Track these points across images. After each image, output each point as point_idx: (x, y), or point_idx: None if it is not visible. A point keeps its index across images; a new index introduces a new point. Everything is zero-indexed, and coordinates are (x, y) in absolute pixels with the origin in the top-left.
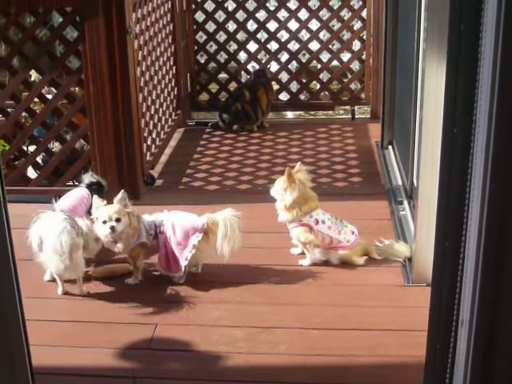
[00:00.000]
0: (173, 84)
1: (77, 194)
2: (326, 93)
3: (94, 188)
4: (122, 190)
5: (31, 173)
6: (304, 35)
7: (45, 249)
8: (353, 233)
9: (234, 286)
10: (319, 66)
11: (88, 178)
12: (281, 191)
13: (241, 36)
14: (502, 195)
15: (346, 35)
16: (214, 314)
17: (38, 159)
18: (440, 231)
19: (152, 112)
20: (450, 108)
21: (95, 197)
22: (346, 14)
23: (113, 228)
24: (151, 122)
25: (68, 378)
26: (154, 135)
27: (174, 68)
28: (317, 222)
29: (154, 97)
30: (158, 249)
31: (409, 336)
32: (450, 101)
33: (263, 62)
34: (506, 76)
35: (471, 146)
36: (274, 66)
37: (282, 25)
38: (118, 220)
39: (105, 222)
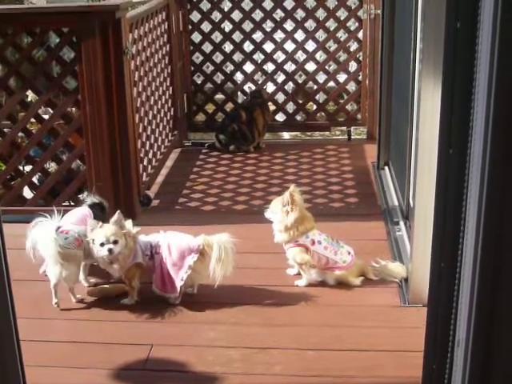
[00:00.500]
0: (169, 104)
1: (80, 213)
2: (323, 113)
3: (96, 209)
4: (118, 211)
5: (27, 193)
6: (300, 56)
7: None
8: (349, 253)
9: (230, 306)
10: (315, 86)
11: (90, 198)
12: (280, 212)
13: (237, 57)
14: (498, 216)
15: (343, 56)
16: (209, 334)
17: (34, 179)
18: (436, 252)
19: (148, 132)
20: (446, 129)
21: (90, 219)
22: (342, 35)
23: (110, 250)
24: (148, 142)
25: None
26: (150, 156)
27: (171, 89)
28: (313, 242)
29: (150, 117)
30: (154, 269)
31: (405, 357)
32: (446, 122)
33: (260, 82)
34: (501, 98)
35: (467, 166)
36: (270, 87)
37: (279, 46)
38: (115, 242)
39: (102, 245)
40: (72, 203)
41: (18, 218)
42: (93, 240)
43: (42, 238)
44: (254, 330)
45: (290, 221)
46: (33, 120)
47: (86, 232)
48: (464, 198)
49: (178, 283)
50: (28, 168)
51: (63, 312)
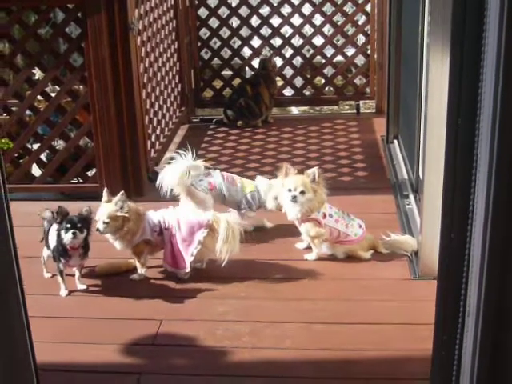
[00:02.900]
0: (177, 80)
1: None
2: (331, 88)
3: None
4: (121, 192)
5: (35, 171)
6: (308, 30)
7: None
8: (360, 226)
9: (239, 281)
10: (323, 60)
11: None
12: (310, 191)
13: (244, 32)
14: (508, 185)
15: (350, 30)
16: (218, 309)
17: (42, 157)
18: (446, 223)
19: (156, 109)
20: (455, 99)
21: (104, 191)
22: (349, 8)
23: (98, 230)
24: (155, 118)
25: (72, 374)
26: (158, 132)
27: (178, 64)
28: (324, 215)
29: (157, 93)
30: (164, 245)
31: (415, 329)
32: (454, 92)
33: (267, 57)
34: (510, 66)
35: (476, 134)
36: (278, 62)
37: (286, 20)
38: (105, 223)
39: (96, 222)
40: (80, 180)
41: (26, 195)
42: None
43: (171, 171)
44: (262, 304)
45: (323, 197)
46: (40, 98)
47: (226, 186)
48: (474, 167)
49: (188, 259)
50: (36, 146)
51: (71, 288)
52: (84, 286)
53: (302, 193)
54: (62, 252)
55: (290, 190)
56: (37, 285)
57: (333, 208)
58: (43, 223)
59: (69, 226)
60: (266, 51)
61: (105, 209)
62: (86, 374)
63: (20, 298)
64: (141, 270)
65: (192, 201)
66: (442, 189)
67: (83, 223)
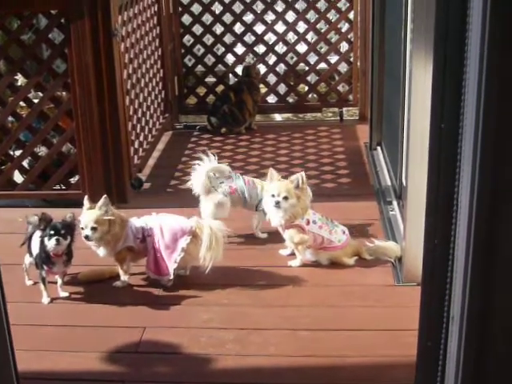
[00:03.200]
0: (160, 87)
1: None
2: (314, 95)
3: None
4: (104, 196)
5: (18, 177)
6: (291, 37)
7: None
8: (344, 232)
9: (222, 288)
10: (307, 68)
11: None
12: (294, 196)
13: (228, 39)
14: (491, 191)
15: (334, 37)
16: (202, 316)
17: (25, 163)
18: (429, 228)
19: (139, 115)
20: (438, 104)
21: (85, 198)
22: (333, 16)
23: (87, 237)
24: (138, 125)
25: (54, 382)
26: (141, 138)
27: (162, 71)
28: (308, 222)
29: (141, 100)
30: (147, 252)
31: (400, 336)
32: (438, 97)
33: (250, 64)
34: (491, 70)
35: (459, 139)
36: (261, 69)
37: (269, 27)
38: (93, 228)
39: (82, 229)
40: (63, 187)
41: (8, 202)
42: (79, 222)
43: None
44: (246, 310)
45: (306, 204)
46: (22, 104)
47: (248, 189)
48: (457, 172)
49: (171, 266)
50: (18, 152)
51: (53, 296)
52: (66, 294)
53: (286, 198)
54: (45, 259)
55: (273, 196)
56: (18, 292)
57: (316, 214)
58: (27, 227)
59: (52, 232)
60: (249, 58)
61: (90, 214)
62: (68, 382)
63: (1, 305)
64: (124, 277)
65: (211, 203)
66: (425, 195)
67: (67, 230)
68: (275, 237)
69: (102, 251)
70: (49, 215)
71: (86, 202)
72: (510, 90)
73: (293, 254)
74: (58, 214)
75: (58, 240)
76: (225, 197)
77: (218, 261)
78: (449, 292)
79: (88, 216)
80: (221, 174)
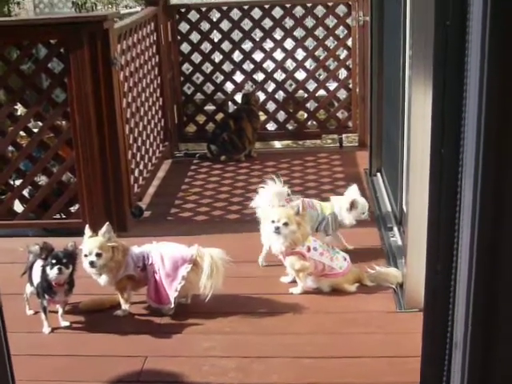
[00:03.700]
0: (160, 115)
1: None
2: (314, 122)
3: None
4: (107, 223)
5: (18, 207)
6: (290, 65)
7: None
8: (345, 259)
9: (224, 315)
10: (306, 95)
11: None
12: (294, 222)
13: (227, 67)
14: (492, 217)
15: (332, 64)
16: (203, 344)
17: (25, 193)
18: (431, 254)
19: (139, 143)
20: (438, 129)
21: (86, 227)
22: (331, 43)
23: (92, 263)
24: (138, 153)
25: None
26: (141, 167)
27: (161, 99)
28: (308, 249)
29: (140, 128)
30: (147, 281)
31: (402, 362)
32: (437, 122)
33: (249, 92)
34: (491, 97)
35: (460, 164)
36: (260, 96)
37: (268, 55)
38: (98, 255)
39: (86, 256)
40: (63, 216)
41: (8, 232)
42: (81, 250)
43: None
44: (248, 338)
45: (306, 230)
46: (22, 133)
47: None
48: (458, 198)
49: (172, 294)
50: (18, 182)
51: (54, 325)
52: (67, 323)
53: (286, 224)
54: (46, 288)
55: (273, 222)
56: (19, 322)
57: (317, 241)
58: (28, 257)
59: (54, 261)
60: (248, 86)
61: (94, 241)
62: None
63: (2, 335)
64: (125, 306)
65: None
66: (426, 221)
67: (69, 259)
68: (276, 264)
69: (103, 280)
70: (50, 244)
71: (87, 230)
72: (510, 114)
73: (294, 282)
74: (58, 243)
75: (60, 269)
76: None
77: (219, 289)
78: (451, 318)
79: (92, 243)
80: (282, 197)
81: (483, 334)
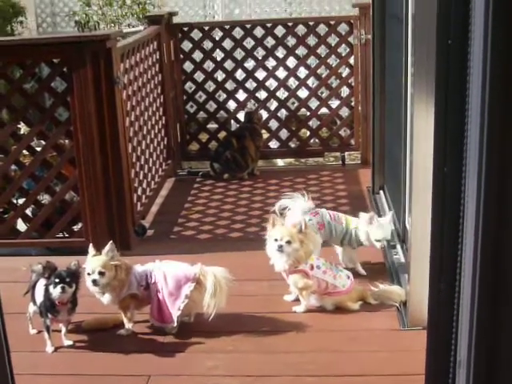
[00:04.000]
0: (163, 134)
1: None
2: (316, 140)
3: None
4: (111, 242)
5: (21, 225)
6: (292, 83)
7: None
8: (348, 277)
9: (227, 334)
10: (308, 113)
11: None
12: (296, 241)
13: (230, 85)
14: (496, 234)
15: (334, 82)
16: (206, 363)
17: (28, 211)
18: (434, 272)
19: (142, 162)
20: (440, 147)
21: (90, 246)
22: (333, 61)
23: (94, 281)
24: (141, 172)
25: None
26: (144, 185)
27: (164, 118)
28: (312, 267)
29: (143, 147)
30: (150, 300)
31: (406, 381)
32: (440, 140)
33: (252, 110)
34: (493, 114)
35: (462, 183)
36: (263, 115)
37: (271, 73)
38: (101, 273)
39: (89, 275)
40: (66, 235)
41: (11, 251)
42: (84, 268)
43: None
44: (251, 357)
45: (309, 248)
46: (25, 152)
47: (334, 224)
48: (461, 216)
49: (175, 313)
50: (21, 200)
51: (57, 344)
52: (70, 342)
53: (288, 242)
54: (49, 307)
55: (276, 240)
56: (22, 341)
57: (320, 259)
58: (31, 276)
59: (57, 280)
60: (251, 104)
61: (97, 260)
62: None
63: (5, 354)
64: (128, 325)
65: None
66: (429, 238)
67: (72, 277)
68: (279, 282)
69: (106, 299)
70: (53, 263)
71: (90, 249)
72: (510, 132)
73: (297, 300)
74: (62, 262)
75: (63, 288)
76: (316, 234)
77: (222, 308)
78: (455, 336)
79: (95, 261)
80: (308, 211)
81: (487, 354)
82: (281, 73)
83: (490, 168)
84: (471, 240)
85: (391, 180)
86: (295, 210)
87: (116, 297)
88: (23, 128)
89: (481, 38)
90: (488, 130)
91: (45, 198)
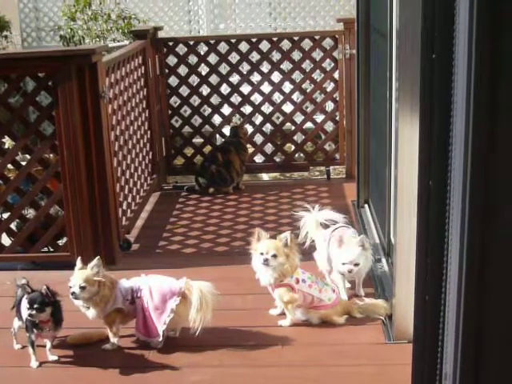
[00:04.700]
0: (148, 148)
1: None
2: (301, 154)
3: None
4: (98, 257)
5: (5, 240)
6: (277, 98)
7: None
8: (334, 291)
9: (213, 349)
10: (293, 127)
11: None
12: (283, 254)
13: (214, 100)
14: (480, 248)
15: (319, 97)
16: (192, 378)
17: (13, 226)
18: (420, 285)
19: (127, 176)
20: (425, 161)
21: (78, 259)
22: (318, 75)
23: (74, 294)
24: (126, 186)
25: None
26: (129, 199)
27: (149, 132)
28: (297, 281)
29: (128, 161)
30: (136, 314)
31: None
32: (425, 154)
33: (237, 124)
34: (478, 128)
35: (447, 196)
36: (248, 129)
37: (256, 88)
38: (82, 288)
39: (70, 287)
40: (51, 249)
41: None
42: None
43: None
44: (237, 371)
45: (295, 262)
46: (10, 166)
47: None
48: (446, 229)
49: (161, 328)
50: (6, 215)
51: (42, 359)
52: (55, 357)
53: (274, 256)
54: (33, 324)
55: (262, 254)
56: (6, 356)
57: (306, 273)
58: (17, 291)
59: (28, 306)
60: (236, 119)
61: (80, 274)
62: None
63: None
64: (113, 340)
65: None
66: (414, 252)
67: (41, 304)
68: (265, 296)
69: (91, 313)
70: (29, 287)
71: (78, 262)
72: (495, 145)
73: (283, 314)
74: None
75: (30, 315)
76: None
77: (208, 322)
78: (441, 349)
79: (78, 275)
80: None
81: (473, 367)
82: (266, 87)
83: (475, 181)
84: (456, 253)
85: (376, 194)
86: (310, 221)
87: (101, 311)
88: (8, 142)
89: (465, 53)
90: (472, 144)
91: (29, 213)
